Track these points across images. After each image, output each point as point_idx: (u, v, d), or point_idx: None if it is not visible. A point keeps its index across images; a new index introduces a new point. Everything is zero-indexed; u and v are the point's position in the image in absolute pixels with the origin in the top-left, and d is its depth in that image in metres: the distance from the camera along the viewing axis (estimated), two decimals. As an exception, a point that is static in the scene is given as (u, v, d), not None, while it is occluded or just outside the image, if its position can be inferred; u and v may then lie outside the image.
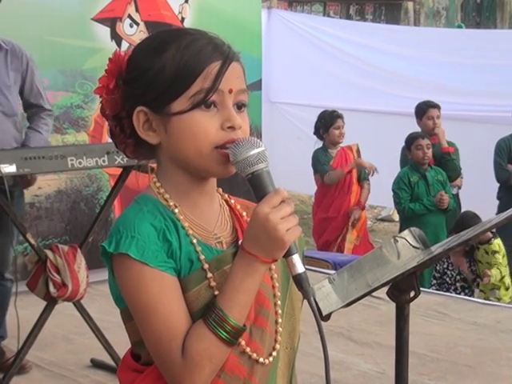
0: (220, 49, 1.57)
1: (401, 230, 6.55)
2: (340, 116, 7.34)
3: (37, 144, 4.48)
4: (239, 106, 1.59)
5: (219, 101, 1.56)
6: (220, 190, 1.71)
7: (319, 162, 7.29)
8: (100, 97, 1.63)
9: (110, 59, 1.63)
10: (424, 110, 7.22)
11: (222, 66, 1.55)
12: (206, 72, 1.54)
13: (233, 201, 1.72)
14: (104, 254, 1.56)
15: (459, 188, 7.34)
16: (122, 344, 1.69)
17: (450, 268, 6.58)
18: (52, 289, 4.10)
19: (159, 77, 1.55)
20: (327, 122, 7.31)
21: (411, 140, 6.84)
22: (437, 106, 7.22)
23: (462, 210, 7.37)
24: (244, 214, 1.69)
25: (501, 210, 6.77)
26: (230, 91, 1.56)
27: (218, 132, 1.55)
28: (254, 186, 1.53)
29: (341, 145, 7.40)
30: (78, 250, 4.24)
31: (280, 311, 1.65)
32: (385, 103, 9.44)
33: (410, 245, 2.18)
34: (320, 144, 7.45)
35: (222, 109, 1.57)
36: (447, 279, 6.60)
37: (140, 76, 1.58)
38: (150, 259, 1.51)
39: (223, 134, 1.56)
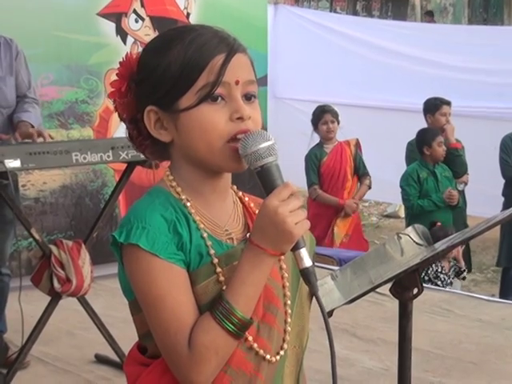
0: (225, 41, 1.57)
1: (408, 227, 6.53)
2: (328, 111, 7.21)
3: (30, 115, 4.46)
4: (248, 97, 1.59)
5: (226, 93, 1.56)
6: (234, 187, 1.71)
7: (309, 169, 7.27)
8: (114, 101, 1.63)
9: (120, 63, 1.63)
10: (437, 106, 7.19)
11: (226, 58, 1.55)
12: (211, 65, 1.54)
13: (247, 198, 1.72)
14: (114, 244, 1.56)
15: (466, 184, 7.32)
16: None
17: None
18: (56, 284, 4.10)
19: (166, 74, 1.56)
20: (315, 118, 7.27)
21: (431, 136, 6.80)
22: (449, 103, 7.22)
23: (468, 206, 7.35)
24: (257, 212, 1.68)
25: (506, 206, 6.75)
26: (237, 83, 1.56)
27: (226, 124, 1.55)
28: (262, 180, 1.54)
29: (339, 139, 7.34)
30: (83, 245, 4.24)
31: (290, 311, 1.65)
32: (391, 99, 9.44)
33: (414, 241, 2.17)
34: (316, 140, 7.41)
35: (229, 101, 1.56)
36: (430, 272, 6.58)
37: (148, 75, 1.58)
38: (159, 251, 1.51)
39: (232, 125, 1.56)
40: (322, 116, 7.21)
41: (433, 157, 6.81)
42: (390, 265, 2.09)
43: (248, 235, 1.57)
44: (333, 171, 7.23)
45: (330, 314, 1.99)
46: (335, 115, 7.24)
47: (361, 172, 7.33)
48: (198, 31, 1.58)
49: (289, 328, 1.64)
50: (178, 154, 1.62)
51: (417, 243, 2.17)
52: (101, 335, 4.39)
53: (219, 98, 1.55)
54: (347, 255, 6.36)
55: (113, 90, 1.63)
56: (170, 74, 1.55)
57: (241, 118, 1.56)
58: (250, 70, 1.61)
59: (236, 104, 1.56)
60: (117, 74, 1.63)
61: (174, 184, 1.61)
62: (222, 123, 1.55)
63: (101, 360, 4.59)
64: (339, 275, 2.14)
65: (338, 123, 7.26)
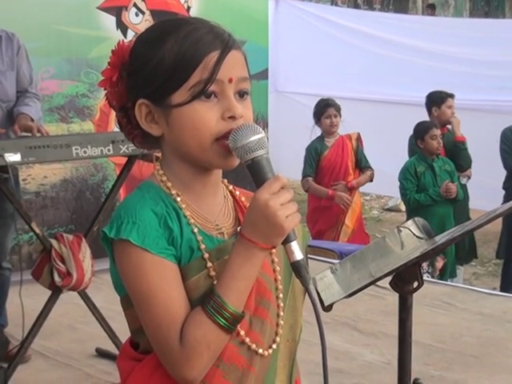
0: (219, 38, 1.56)
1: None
2: (331, 105, 7.18)
3: (30, 109, 4.45)
4: (241, 94, 1.58)
5: (219, 91, 1.55)
6: (225, 181, 1.70)
7: (306, 161, 7.24)
8: (104, 89, 1.63)
9: (112, 51, 1.62)
10: (443, 98, 7.19)
11: (221, 55, 1.54)
12: (205, 62, 1.53)
13: (237, 192, 1.72)
14: (105, 240, 1.56)
15: (469, 178, 7.32)
16: (127, 333, 1.69)
17: None
18: (57, 278, 4.10)
19: (159, 69, 1.55)
20: (318, 112, 7.25)
21: (424, 130, 6.78)
22: (453, 96, 7.23)
23: (470, 200, 7.35)
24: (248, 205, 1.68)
25: (507, 199, 6.74)
26: (230, 80, 1.55)
27: (218, 122, 1.54)
28: (253, 173, 1.53)
29: (340, 133, 7.32)
30: (83, 239, 4.24)
31: (282, 304, 1.65)
32: (392, 93, 9.43)
33: (414, 235, 2.16)
34: (317, 133, 7.39)
35: (222, 99, 1.55)
36: None
37: (140, 68, 1.57)
38: (150, 246, 1.51)
39: (224, 124, 1.55)
40: (326, 110, 7.19)
41: (427, 150, 6.79)
42: (390, 258, 2.09)
43: (239, 229, 1.56)
44: (334, 165, 7.21)
45: (330, 307, 1.98)
46: (338, 109, 7.22)
47: (363, 165, 7.31)
48: (193, 25, 1.57)
49: (281, 322, 1.64)
50: (168, 148, 1.61)
51: (417, 236, 2.16)
52: (102, 329, 4.39)
53: (212, 96, 1.54)
54: (348, 249, 6.35)
55: (104, 78, 1.62)
56: (163, 68, 1.54)
57: (233, 117, 1.55)
58: (244, 66, 1.60)
59: (228, 102, 1.55)
60: (108, 63, 1.61)
61: (164, 179, 1.61)
62: (213, 121, 1.54)
63: (102, 354, 4.59)
64: (339, 269, 2.13)
65: (340, 117, 7.25)
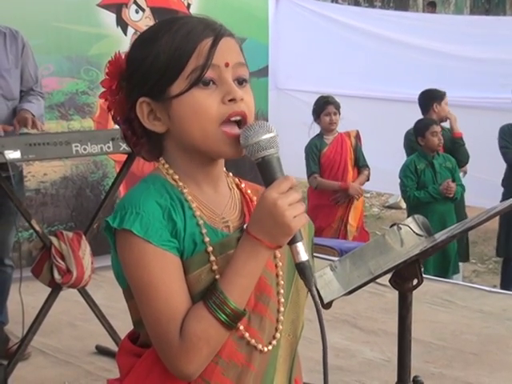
0: (210, 26, 1.57)
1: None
2: (331, 102, 7.18)
3: (32, 106, 4.45)
4: (240, 82, 1.59)
5: (217, 76, 1.56)
6: (230, 174, 1.70)
7: (309, 159, 7.23)
8: (105, 100, 1.63)
9: (109, 61, 1.63)
10: (442, 95, 7.21)
11: (214, 41, 1.55)
12: (199, 49, 1.54)
13: (243, 185, 1.71)
14: (107, 229, 1.56)
15: (465, 173, 7.33)
16: (127, 330, 1.69)
17: None
18: (57, 275, 4.10)
19: (154, 64, 1.56)
20: (318, 109, 7.24)
21: (426, 126, 6.77)
22: (445, 93, 7.25)
23: (467, 197, 7.34)
24: (254, 198, 1.68)
25: (506, 196, 6.73)
26: (227, 65, 1.56)
27: (219, 107, 1.55)
28: (263, 171, 1.53)
29: (340, 130, 7.31)
30: (83, 236, 4.23)
31: (283, 300, 1.64)
32: (393, 90, 9.41)
33: (414, 232, 2.16)
34: (315, 130, 7.38)
35: (220, 84, 1.56)
36: None
37: (137, 68, 1.58)
38: (153, 237, 1.51)
39: (225, 107, 1.55)
40: (325, 107, 7.19)
41: (428, 147, 6.79)
42: (389, 255, 2.09)
43: (245, 226, 1.56)
44: (333, 162, 7.20)
45: (330, 304, 1.98)
46: (338, 107, 7.22)
47: (360, 164, 7.31)
48: (183, 20, 1.59)
49: (282, 317, 1.63)
50: (172, 143, 1.61)
51: (417, 234, 2.16)
52: (102, 326, 4.39)
53: (210, 83, 1.55)
54: (348, 246, 6.34)
55: (104, 90, 1.63)
56: (159, 63, 1.55)
57: (233, 100, 1.55)
58: (239, 52, 1.61)
59: (227, 86, 1.55)
60: (106, 73, 1.63)
61: (170, 171, 1.61)
62: (214, 106, 1.54)
63: (102, 351, 4.60)
64: (338, 266, 2.13)
65: (340, 115, 7.25)
